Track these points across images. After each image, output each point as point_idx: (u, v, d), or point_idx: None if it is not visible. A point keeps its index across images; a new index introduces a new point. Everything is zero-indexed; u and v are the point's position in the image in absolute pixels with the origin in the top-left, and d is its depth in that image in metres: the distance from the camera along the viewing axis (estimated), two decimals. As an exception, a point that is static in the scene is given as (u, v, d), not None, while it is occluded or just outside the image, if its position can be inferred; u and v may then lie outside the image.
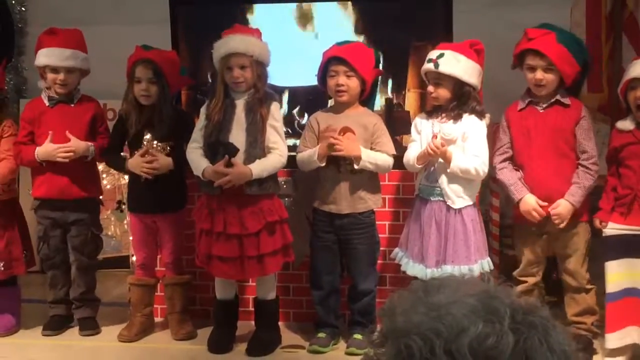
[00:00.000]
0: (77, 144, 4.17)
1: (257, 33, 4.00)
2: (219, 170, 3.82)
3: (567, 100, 3.81)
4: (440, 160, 3.77)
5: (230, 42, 3.86)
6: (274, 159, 3.90)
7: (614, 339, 3.74)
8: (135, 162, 4.09)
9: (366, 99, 4.08)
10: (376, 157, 3.93)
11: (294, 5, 4.56)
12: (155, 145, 4.09)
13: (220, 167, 3.83)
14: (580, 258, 3.84)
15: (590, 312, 3.87)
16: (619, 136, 3.78)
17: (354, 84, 3.92)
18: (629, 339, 3.73)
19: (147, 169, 4.06)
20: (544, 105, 3.81)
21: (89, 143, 4.23)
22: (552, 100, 3.80)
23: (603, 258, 3.81)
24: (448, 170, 3.74)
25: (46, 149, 4.15)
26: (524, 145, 3.83)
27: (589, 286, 3.86)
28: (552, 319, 0.99)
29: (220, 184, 3.82)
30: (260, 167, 3.86)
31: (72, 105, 4.28)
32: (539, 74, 3.73)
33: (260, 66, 3.89)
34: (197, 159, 3.92)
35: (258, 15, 4.54)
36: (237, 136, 3.89)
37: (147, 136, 4.11)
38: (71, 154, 4.13)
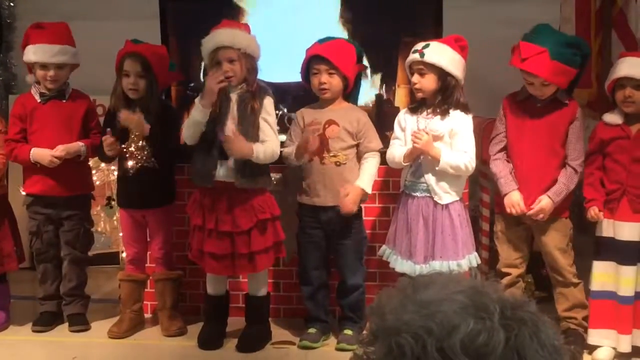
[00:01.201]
0: (67, 149, 4.16)
1: (245, 27, 4.00)
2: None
3: (565, 100, 3.83)
4: (429, 157, 3.77)
5: (217, 37, 3.85)
6: (270, 148, 3.89)
7: (596, 336, 3.80)
8: (104, 141, 4.06)
9: (349, 94, 4.09)
10: (371, 172, 3.98)
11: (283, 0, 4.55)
12: (139, 139, 4.08)
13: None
14: (562, 254, 3.86)
15: (581, 307, 3.89)
16: (606, 129, 3.80)
17: (336, 81, 3.95)
18: (608, 341, 3.77)
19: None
20: (543, 102, 3.82)
21: (80, 143, 4.21)
22: (552, 97, 3.81)
23: (592, 256, 3.84)
24: (437, 168, 3.74)
25: (41, 153, 4.14)
26: (516, 138, 3.85)
27: (576, 280, 3.88)
28: (540, 314, 0.99)
29: (226, 137, 3.81)
30: (259, 149, 3.84)
31: (64, 101, 4.26)
32: (538, 90, 3.77)
33: (249, 59, 3.88)
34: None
35: (248, 10, 4.53)
36: (230, 130, 3.88)
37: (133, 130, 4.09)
38: (57, 160, 4.13)
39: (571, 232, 3.90)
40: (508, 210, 3.81)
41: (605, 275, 3.77)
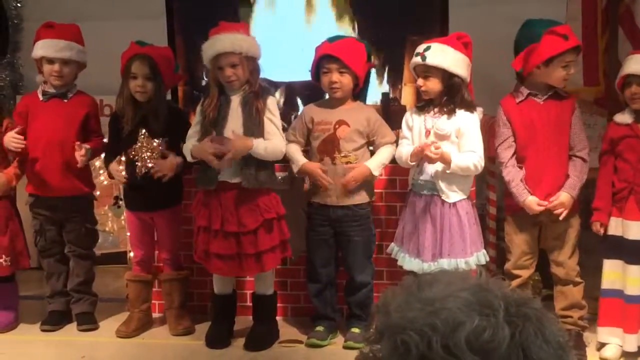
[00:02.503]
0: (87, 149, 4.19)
1: (243, 28, 4.00)
2: (219, 140, 3.84)
3: (563, 92, 3.83)
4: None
5: (217, 43, 3.85)
6: (274, 144, 3.91)
7: (604, 334, 3.82)
8: (113, 169, 4.14)
9: (359, 93, 4.11)
10: (383, 157, 3.99)
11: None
12: (148, 142, 4.08)
13: (215, 143, 3.85)
14: (570, 249, 3.86)
15: (578, 307, 3.88)
16: (616, 128, 3.80)
17: (347, 80, 3.96)
18: (616, 339, 3.77)
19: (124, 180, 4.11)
20: (544, 97, 3.81)
21: (87, 146, 4.22)
22: (551, 92, 3.81)
23: (602, 254, 3.84)
24: (448, 172, 3.74)
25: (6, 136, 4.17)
26: (528, 139, 3.81)
27: (577, 279, 3.88)
28: (545, 310, 0.99)
29: (221, 151, 3.81)
30: (260, 145, 3.86)
31: (66, 100, 4.28)
32: (572, 69, 3.78)
33: (251, 61, 3.90)
34: (187, 147, 3.95)
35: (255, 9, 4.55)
36: (234, 130, 3.89)
37: (142, 132, 4.10)
38: (20, 145, 4.15)
39: (580, 227, 3.90)
40: (530, 212, 3.79)
41: (613, 273, 3.78)
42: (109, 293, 4.84)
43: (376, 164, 3.98)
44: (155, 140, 4.09)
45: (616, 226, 3.77)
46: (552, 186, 3.79)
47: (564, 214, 3.78)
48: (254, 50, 3.90)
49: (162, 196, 4.15)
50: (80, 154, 4.13)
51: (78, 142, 4.15)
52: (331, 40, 3.99)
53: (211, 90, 3.94)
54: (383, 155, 4.00)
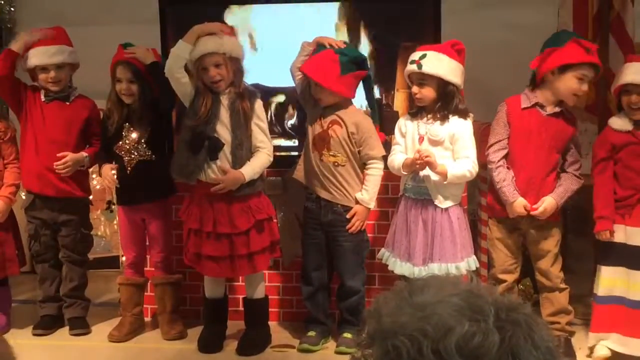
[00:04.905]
0: (73, 158, 4.20)
1: (228, 29, 4.01)
2: (214, 178, 3.87)
3: (568, 111, 3.81)
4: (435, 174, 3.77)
5: (202, 44, 3.86)
6: (263, 159, 3.94)
7: (596, 339, 3.81)
8: (105, 173, 4.18)
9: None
10: (374, 187, 4.00)
11: (285, 5, 4.56)
12: (130, 134, 4.12)
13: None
14: (552, 258, 3.86)
15: (565, 312, 3.88)
16: (616, 135, 3.76)
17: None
18: (612, 344, 3.76)
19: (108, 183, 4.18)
20: (550, 112, 3.78)
21: (84, 154, 4.25)
22: (557, 109, 3.78)
23: (599, 260, 3.84)
24: (445, 183, 3.75)
25: None
26: (521, 147, 3.79)
27: (562, 286, 3.88)
28: (535, 316, 1.00)
29: (215, 191, 3.85)
30: (252, 171, 3.90)
31: (68, 103, 4.30)
32: (586, 86, 3.73)
33: (235, 62, 3.91)
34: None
35: (251, 16, 4.55)
36: (221, 134, 3.90)
37: (126, 126, 4.15)
38: (68, 167, 4.18)
39: (560, 235, 3.91)
40: (512, 216, 3.79)
41: (614, 280, 3.74)
42: (101, 297, 4.84)
43: (371, 197, 4.00)
44: (136, 132, 4.13)
45: (618, 233, 3.74)
46: (535, 199, 3.77)
47: (540, 213, 3.76)
48: (237, 51, 3.92)
49: (153, 186, 4.17)
50: (60, 162, 4.17)
51: (65, 154, 4.19)
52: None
53: (201, 91, 3.90)
54: (374, 186, 4.00)
